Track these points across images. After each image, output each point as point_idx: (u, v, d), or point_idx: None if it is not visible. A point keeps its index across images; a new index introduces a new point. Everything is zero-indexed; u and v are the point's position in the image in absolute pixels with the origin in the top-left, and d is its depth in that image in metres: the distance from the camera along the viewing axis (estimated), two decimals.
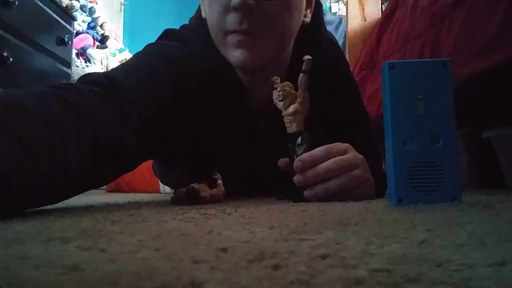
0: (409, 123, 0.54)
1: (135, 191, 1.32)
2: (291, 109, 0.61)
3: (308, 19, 0.71)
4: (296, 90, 0.63)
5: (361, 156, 0.64)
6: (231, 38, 0.62)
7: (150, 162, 1.19)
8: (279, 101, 0.62)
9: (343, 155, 0.61)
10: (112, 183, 1.40)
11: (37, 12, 1.55)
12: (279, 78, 0.63)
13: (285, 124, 0.63)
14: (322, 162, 0.60)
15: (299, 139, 0.61)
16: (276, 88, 0.62)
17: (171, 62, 0.66)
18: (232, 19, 0.61)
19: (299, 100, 0.61)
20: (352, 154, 0.62)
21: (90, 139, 0.50)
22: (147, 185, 1.29)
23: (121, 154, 0.56)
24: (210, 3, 0.64)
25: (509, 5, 0.76)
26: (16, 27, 1.39)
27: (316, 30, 0.74)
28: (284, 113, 0.62)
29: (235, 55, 0.63)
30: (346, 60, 0.91)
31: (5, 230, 0.34)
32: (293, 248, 0.25)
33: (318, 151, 0.61)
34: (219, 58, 0.67)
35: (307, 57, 0.59)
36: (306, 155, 0.61)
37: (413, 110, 0.54)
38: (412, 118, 0.54)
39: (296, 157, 0.61)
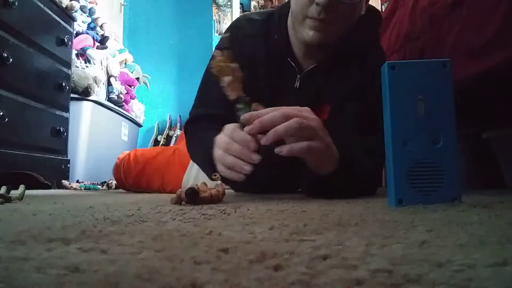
0: (409, 123, 0.54)
1: (152, 190, 1.31)
2: (225, 80, 0.67)
3: (363, 12, 0.89)
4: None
5: (318, 119, 0.67)
6: (309, 22, 0.81)
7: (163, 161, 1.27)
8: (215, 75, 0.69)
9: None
10: (126, 184, 1.39)
11: (37, 12, 1.55)
12: (219, 52, 0.71)
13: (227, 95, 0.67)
14: None
15: (238, 103, 0.65)
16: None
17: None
18: (314, 9, 0.79)
19: (230, 72, 0.67)
20: (308, 114, 0.66)
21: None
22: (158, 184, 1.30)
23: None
24: None
25: (509, 5, 0.76)
26: (16, 27, 1.39)
27: (364, 22, 0.90)
28: (221, 84, 0.67)
29: (309, 33, 0.82)
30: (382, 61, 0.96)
31: (6, 231, 0.34)
32: (293, 248, 0.25)
33: (268, 109, 0.65)
34: (283, 35, 0.92)
35: (223, 34, 0.69)
36: (254, 111, 0.65)
37: (413, 111, 0.54)
38: (412, 119, 0.54)
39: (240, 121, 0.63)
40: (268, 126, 0.63)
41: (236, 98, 0.64)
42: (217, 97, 0.91)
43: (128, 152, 1.44)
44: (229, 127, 0.68)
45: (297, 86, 0.92)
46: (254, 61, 0.91)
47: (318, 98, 0.91)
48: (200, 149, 0.83)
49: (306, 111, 0.67)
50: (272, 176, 1.01)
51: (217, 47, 0.96)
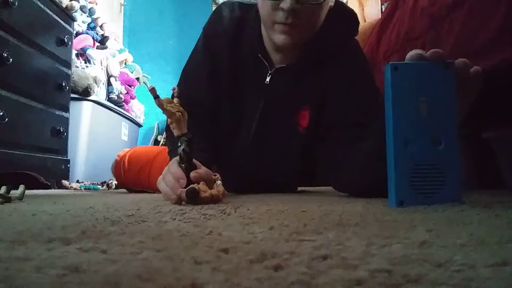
0: (410, 125, 0.54)
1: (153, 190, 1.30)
2: (169, 120, 0.73)
3: (332, 3, 0.90)
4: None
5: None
6: (278, 27, 0.84)
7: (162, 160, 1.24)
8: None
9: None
10: (125, 181, 1.39)
11: (37, 12, 1.55)
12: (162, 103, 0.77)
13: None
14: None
15: (180, 140, 0.71)
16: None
17: (208, 43, 1.01)
18: (281, 15, 0.82)
19: (171, 114, 0.72)
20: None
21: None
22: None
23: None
24: (262, 1, 0.85)
25: (508, 5, 0.76)
26: (16, 27, 1.39)
27: (336, 23, 0.94)
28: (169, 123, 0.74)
29: (279, 37, 0.85)
30: (357, 45, 1.00)
31: (6, 231, 0.34)
32: (293, 248, 0.25)
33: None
34: (256, 31, 0.95)
35: (151, 86, 0.70)
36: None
37: (415, 112, 0.54)
38: (414, 120, 0.54)
39: (179, 156, 0.70)
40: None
41: (179, 135, 0.71)
42: (200, 77, 0.99)
43: (128, 149, 1.44)
44: (173, 160, 0.75)
45: (267, 82, 0.96)
46: (220, 57, 0.98)
47: (294, 101, 0.94)
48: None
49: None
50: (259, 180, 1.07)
51: (203, 30, 1.04)
